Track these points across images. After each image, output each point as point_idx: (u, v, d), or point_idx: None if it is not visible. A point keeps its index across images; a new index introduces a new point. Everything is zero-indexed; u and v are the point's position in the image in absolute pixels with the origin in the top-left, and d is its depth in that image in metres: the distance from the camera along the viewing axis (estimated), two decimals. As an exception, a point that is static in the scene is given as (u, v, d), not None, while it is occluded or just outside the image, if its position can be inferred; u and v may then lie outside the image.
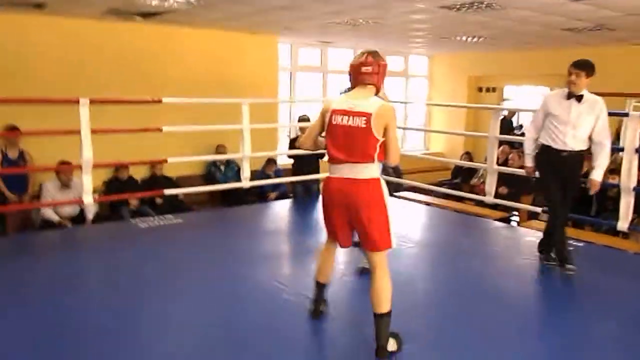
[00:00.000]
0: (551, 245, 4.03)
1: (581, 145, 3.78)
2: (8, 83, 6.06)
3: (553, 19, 6.06)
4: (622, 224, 4.53)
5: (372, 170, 2.68)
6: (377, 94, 2.78)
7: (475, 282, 3.78)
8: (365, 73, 2.70)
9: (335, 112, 2.71)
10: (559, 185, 3.86)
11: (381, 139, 2.63)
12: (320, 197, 2.86)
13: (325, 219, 2.84)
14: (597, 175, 3.80)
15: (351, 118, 2.65)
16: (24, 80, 6.28)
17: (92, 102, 4.51)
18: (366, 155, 2.64)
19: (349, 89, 2.84)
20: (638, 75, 7.78)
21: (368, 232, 2.66)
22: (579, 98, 3.74)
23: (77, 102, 4.44)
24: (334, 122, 2.71)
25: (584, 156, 3.88)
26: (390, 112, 2.66)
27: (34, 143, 6.05)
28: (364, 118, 2.61)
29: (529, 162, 4.11)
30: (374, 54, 2.73)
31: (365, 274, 3.39)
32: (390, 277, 2.69)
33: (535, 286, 3.91)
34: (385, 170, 9.13)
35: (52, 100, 5.00)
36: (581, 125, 3.73)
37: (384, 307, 2.62)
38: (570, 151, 3.77)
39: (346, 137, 2.66)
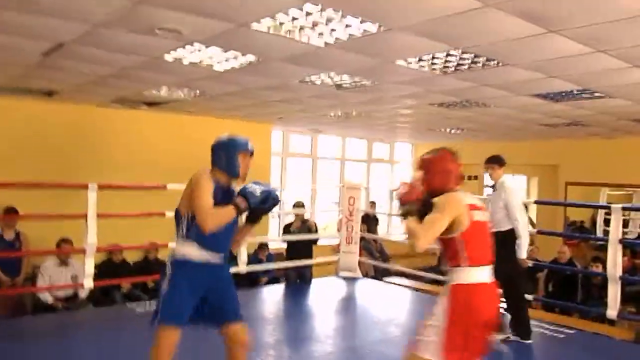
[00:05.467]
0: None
1: None
2: (8, 166, 6.13)
3: (533, 116, 6.53)
4: (611, 312, 4.71)
5: None
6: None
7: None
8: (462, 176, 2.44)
9: (473, 207, 2.27)
10: None
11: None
12: (456, 310, 2.19)
13: (468, 340, 2.18)
14: None
15: (484, 214, 2.31)
16: (25, 164, 6.34)
17: (100, 187, 4.65)
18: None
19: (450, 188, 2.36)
20: (611, 167, 8.28)
21: None
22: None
23: (86, 187, 4.58)
24: (475, 219, 2.24)
25: None
26: None
27: (30, 224, 6.08)
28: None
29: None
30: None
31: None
32: None
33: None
34: (372, 255, 9.25)
35: (61, 185, 5.10)
36: None
37: None
38: None
39: (487, 236, 2.30)
